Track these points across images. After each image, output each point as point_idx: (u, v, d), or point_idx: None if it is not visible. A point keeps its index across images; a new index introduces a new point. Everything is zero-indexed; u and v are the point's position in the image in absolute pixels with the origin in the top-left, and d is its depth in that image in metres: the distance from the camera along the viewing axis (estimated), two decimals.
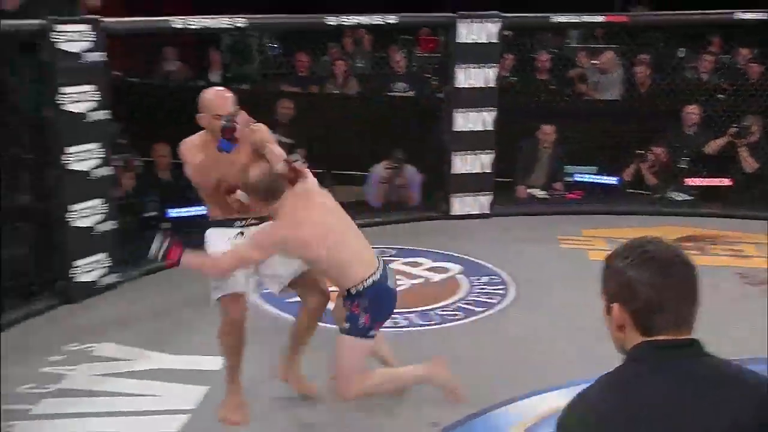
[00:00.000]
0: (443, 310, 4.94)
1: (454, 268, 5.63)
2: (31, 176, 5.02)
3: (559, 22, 6.94)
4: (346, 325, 3.35)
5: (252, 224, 3.69)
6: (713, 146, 6.90)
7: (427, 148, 6.90)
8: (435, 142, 6.81)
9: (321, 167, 7.11)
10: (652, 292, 1.42)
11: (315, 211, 3.32)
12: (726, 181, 6.86)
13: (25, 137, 4.95)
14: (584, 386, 3.64)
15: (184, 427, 3.67)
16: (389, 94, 7.62)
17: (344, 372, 3.40)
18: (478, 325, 4.75)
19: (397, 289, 5.22)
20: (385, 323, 4.67)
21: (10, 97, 4.88)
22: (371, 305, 3.29)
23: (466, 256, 5.81)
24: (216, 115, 3.44)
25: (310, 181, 3.44)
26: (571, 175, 7.10)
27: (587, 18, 6.96)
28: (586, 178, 7.10)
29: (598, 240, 6.20)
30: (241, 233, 3.69)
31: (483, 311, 4.93)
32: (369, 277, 3.29)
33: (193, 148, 3.59)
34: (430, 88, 7.80)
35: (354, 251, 3.33)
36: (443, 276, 5.51)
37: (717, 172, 6.87)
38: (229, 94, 3.57)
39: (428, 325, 4.76)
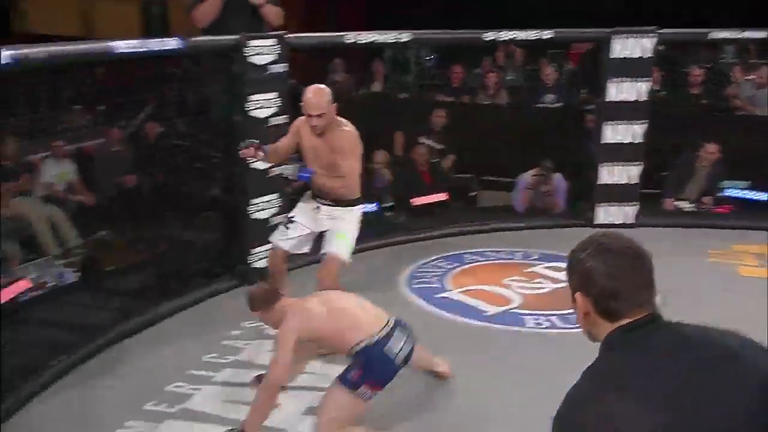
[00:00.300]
0: None
1: None
2: (221, 173, 5.28)
3: (717, 38, 6.57)
4: (341, 374, 3.28)
5: (328, 204, 4.18)
6: None
7: (574, 158, 6.80)
8: (583, 153, 6.71)
9: (470, 173, 7.26)
10: (607, 280, 1.52)
11: (310, 298, 3.41)
12: None
13: (217, 139, 5.21)
14: None
15: None
16: (538, 105, 7.57)
17: (323, 418, 3.26)
18: None
19: (539, 292, 5.21)
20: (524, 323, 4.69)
21: (206, 104, 5.20)
22: (365, 366, 3.17)
23: None
24: (308, 114, 3.95)
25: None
26: (721, 189, 6.81)
27: (748, 34, 6.51)
28: (738, 193, 6.78)
29: (748, 256, 5.94)
30: (318, 207, 4.21)
31: None
32: (362, 341, 3.19)
33: (297, 121, 4.22)
34: (578, 100, 7.72)
35: (351, 319, 3.27)
36: None
37: None
38: (322, 94, 3.96)
39: (570, 328, 4.67)
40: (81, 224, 5.43)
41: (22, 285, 4.18)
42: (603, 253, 1.54)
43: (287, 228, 4.32)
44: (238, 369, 4.12)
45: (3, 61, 3.23)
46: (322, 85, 4.07)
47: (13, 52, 3.31)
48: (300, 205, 4.36)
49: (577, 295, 1.58)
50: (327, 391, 3.32)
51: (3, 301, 3.94)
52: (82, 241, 5.20)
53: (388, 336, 3.23)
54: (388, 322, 3.30)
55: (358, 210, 4.26)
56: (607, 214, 6.58)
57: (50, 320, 4.41)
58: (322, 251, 4.15)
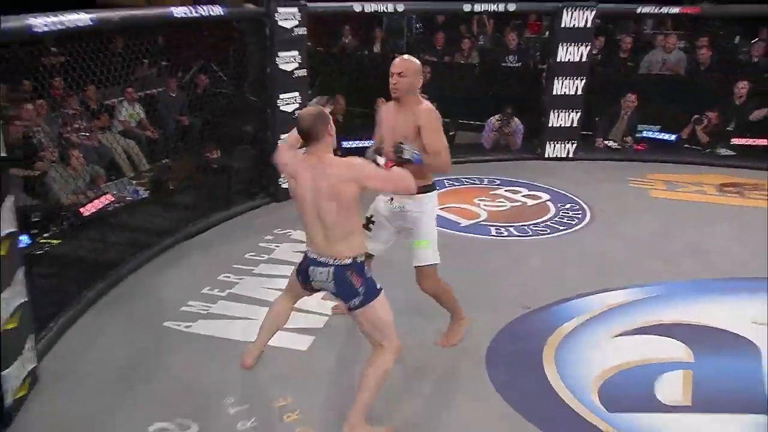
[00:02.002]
0: (535, 226, 4.91)
1: (544, 196, 5.56)
2: (256, 114, 5.20)
3: (644, 13, 6.44)
4: (361, 298, 2.55)
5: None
6: (757, 114, 6.43)
7: (529, 106, 6.70)
8: (536, 102, 6.62)
9: (449, 117, 7.17)
10: None
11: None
12: (765, 142, 6.34)
13: (253, 87, 5.13)
14: (641, 290, 3.71)
15: None
16: (503, 64, 7.43)
17: (384, 330, 2.60)
18: (561, 240, 4.71)
19: (501, 209, 5.18)
20: (489, 233, 4.72)
21: (245, 58, 5.08)
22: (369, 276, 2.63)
23: (554, 188, 5.72)
24: (391, 73, 2.96)
25: None
26: (639, 131, 6.77)
27: (667, 9, 6.37)
28: (651, 134, 6.74)
29: (658, 182, 5.98)
30: (391, 200, 3.14)
31: (565, 230, 4.88)
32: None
33: (380, 110, 3.21)
34: (533, 60, 7.58)
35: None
36: (536, 201, 5.44)
37: (759, 134, 6.38)
38: (409, 60, 3.01)
39: (524, 236, 4.75)
40: (149, 153, 5.41)
41: (106, 199, 4.19)
42: None
43: (369, 230, 3.21)
44: (271, 264, 4.16)
45: (86, 23, 3.15)
46: (413, 58, 3.09)
47: (93, 15, 3.22)
48: (375, 204, 3.28)
49: None
50: (367, 315, 2.59)
51: (93, 211, 3.97)
52: (150, 167, 5.19)
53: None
54: None
55: (431, 199, 3.12)
56: (553, 149, 6.55)
57: (128, 225, 4.42)
58: (414, 264, 3.11)
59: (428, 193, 3.09)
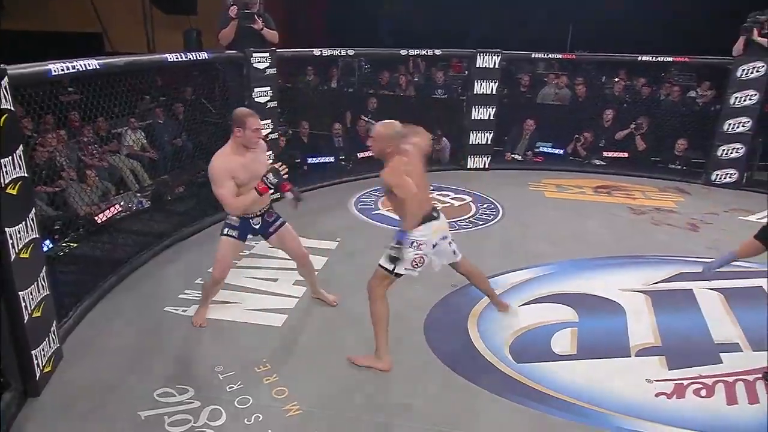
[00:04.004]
0: (462, 222, 4.96)
1: (468, 198, 5.63)
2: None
3: (537, 57, 6.73)
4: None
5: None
6: (620, 134, 6.74)
7: (454, 128, 6.79)
8: (460, 125, 6.73)
9: None
10: None
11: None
12: (626, 154, 6.70)
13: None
14: (539, 268, 3.68)
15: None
16: (433, 96, 7.52)
17: (216, 260, 3.06)
18: (480, 232, 4.78)
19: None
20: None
21: (228, 93, 4.99)
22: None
23: (474, 192, 5.81)
24: None
25: None
26: (537, 147, 6.98)
27: (552, 55, 6.74)
28: (546, 149, 6.97)
29: (550, 185, 6.16)
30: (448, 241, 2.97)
31: (484, 224, 4.95)
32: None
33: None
34: (456, 93, 7.70)
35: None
36: (461, 202, 5.50)
37: (621, 149, 6.71)
38: (380, 127, 2.69)
39: (452, 230, 4.64)
40: (150, 171, 5.25)
41: (115, 209, 4.06)
42: None
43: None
44: (251, 258, 4.10)
45: (94, 67, 3.06)
46: (390, 121, 2.72)
47: (101, 60, 3.13)
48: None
49: None
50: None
51: (104, 219, 3.84)
52: (151, 182, 5.04)
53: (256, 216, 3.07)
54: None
55: (417, 229, 2.80)
56: (473, 162, 6.65)
57: (134, 230, 4.31)
58: None
59: (423, 224, 2.80)
